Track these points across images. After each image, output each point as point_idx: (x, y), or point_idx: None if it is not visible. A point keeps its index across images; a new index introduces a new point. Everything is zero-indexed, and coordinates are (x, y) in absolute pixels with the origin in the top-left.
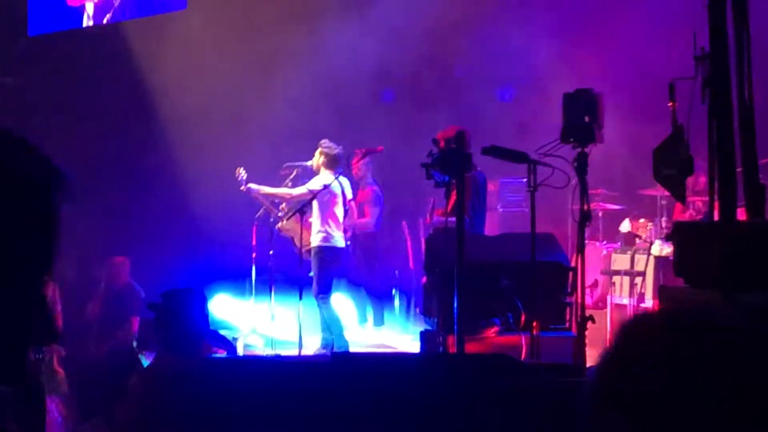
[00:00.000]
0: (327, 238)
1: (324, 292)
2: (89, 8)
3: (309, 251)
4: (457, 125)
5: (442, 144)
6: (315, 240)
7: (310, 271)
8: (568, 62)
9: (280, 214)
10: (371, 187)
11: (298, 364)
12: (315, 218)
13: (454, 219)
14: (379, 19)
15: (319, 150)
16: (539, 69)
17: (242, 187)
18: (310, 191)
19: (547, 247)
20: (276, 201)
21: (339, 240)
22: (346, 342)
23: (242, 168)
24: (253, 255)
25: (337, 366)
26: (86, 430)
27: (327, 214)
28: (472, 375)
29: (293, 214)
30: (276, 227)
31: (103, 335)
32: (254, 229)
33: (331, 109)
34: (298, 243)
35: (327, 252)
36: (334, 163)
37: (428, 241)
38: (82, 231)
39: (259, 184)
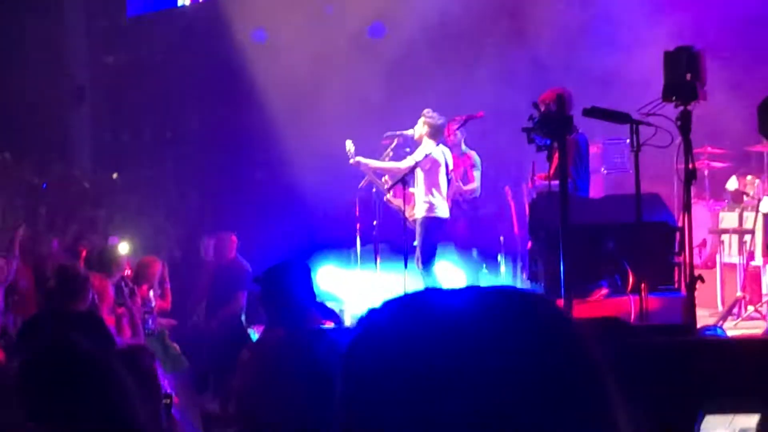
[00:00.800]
0: (431, 208)
1: (428, 262)
2: None
3: (414, 221)
4: (557, 87)
5: (542, 107)
6: (420, 210)
7: (414, 240)
8: (666, 17)
9: (384, 185)
10: (469, 152)
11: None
12: (419, 188)
13: (557, 182)
14: None
15: (423, 120)
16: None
17: (351, 161)
18: (416, 162)
19: (653, 208)
20: (380, 173)
21: (444, 210)
22: None
23: (350, 141)
24: (358, 225)
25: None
26: (198, 403)
27: (431, 184)
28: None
29: (395, 184)
30: (385, 198)
31: (212, 310)
32: (357, 199)
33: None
34: (404, 214)
35: (432, 222)
36: (437, 133)
37: (532, 205)
38: (188, 209)
39: (360, 153)
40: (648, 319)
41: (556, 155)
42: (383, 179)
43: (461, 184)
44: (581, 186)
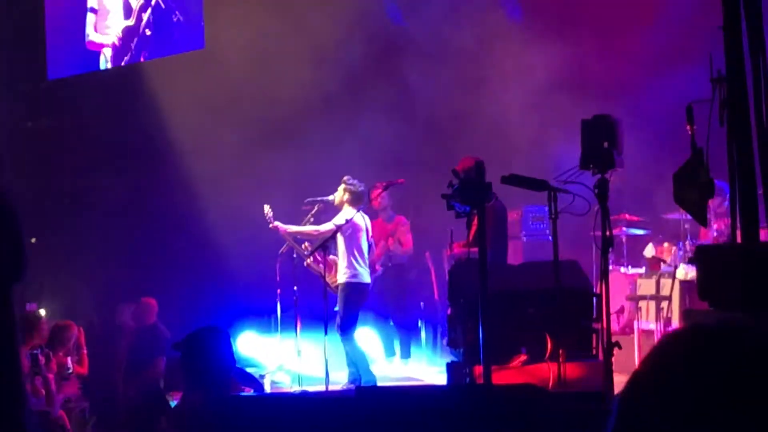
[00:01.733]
0: (354, 274)
1: (348, 328)
2: (107, 52)
3: (336, 286)
4: (473, 156)
5: (461, 174)
6: (342, 276)
7: (335, 306)
8: (584, 80)
9: (304, 251)
10: (399, 216)
11: (324, 400)
12: (341, 254)
13: (475, 250)
14: None
15: (343, 187)
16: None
17: (270, 225)
18: (337, 226)
19: (571, 274)
20: (300, 238)
21: (365, 275)
22: (374, 376)
23: (268, 206)
24: (278, 291)
25: (363, 400)
26: None
27: (353, 250)
28: (500, 406)
29: (315, 249)
30: (305, 264)
31: (130, 376)
32: (278, 265)
33: (354, 142)
34: (325, 279)
35: (354, 288)
36: (358, 200)
37: (451, 272)
38: (107, 274)
39: (279, 219)
40: (566, 385)
41: (475, 222)
42: (303, 245)
43: (399, 245)
44: (499, 252)
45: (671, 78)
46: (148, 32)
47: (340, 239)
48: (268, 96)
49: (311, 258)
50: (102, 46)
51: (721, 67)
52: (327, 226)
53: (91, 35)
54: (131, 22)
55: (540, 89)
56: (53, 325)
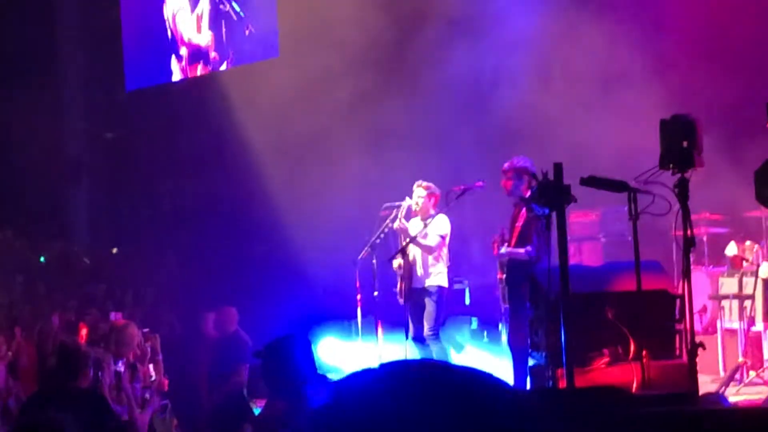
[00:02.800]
0: (442, 277)
1: (437, 329)
2: (181, 63)
3: (416, 290)
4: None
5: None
6: (434, 279)
7: (417, 310)
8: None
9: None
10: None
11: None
12: (431, 257)
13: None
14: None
15: (425, 192)
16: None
17: (397, 224)
18: (442, 237)
19: (653, 275)
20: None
21: (446, 278)
22: None
23: (408, 200)
24: (358, 297)
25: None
26: None
27: (443, 253)
28: (584, 410)
29: (397, 253)
30: (394, 267)
31: (213, 385)
32: (357, 270)
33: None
34: (405, 282)
35: (442, 290)
36: (440, 202)
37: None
38: (188, 283)
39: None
40: (650, 387)
41: (519, 222)
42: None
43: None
44: (543, 256)
45: (751, 75)
46: (214, 44)
47: (434, 236)
48: (340, 100)
49: (399, 259)
50: (179, 59)
51: None
52: (435, 239)
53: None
54: (205, 37)
55: (614, 86)
56: (110, 326)
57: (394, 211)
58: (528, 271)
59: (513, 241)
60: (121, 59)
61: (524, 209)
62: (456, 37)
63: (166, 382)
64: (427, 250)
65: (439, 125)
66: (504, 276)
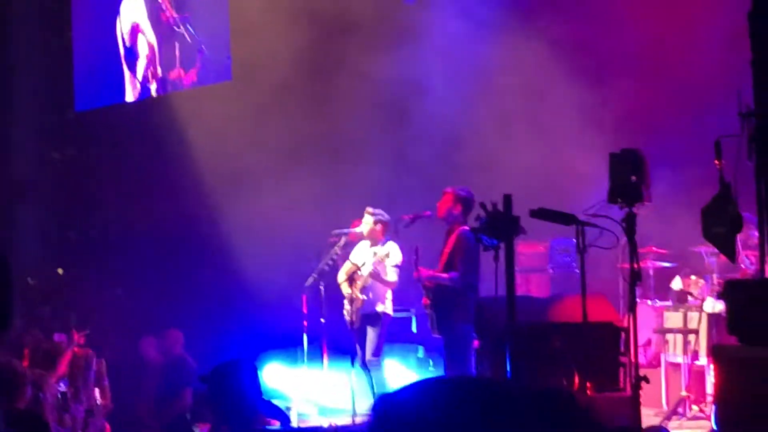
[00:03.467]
0: (389, 304)
1: (379, 355)
2: (134, 83)
3: (364, 315)
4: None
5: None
6: (380, 306)
7: (360, 337)
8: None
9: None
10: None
11: None
12: (380, 285)
13: (446, 275)
14: None
15: (373, 219)
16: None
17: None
18: (397, 267)
19: (598, 308)
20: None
21: (391, 306)
22: None
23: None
24: (305, 323)
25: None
26: None
27: (392, 281)
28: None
29: (345, 280)
30: (348, 291)
31: (157, 408)
32: (304, 297)
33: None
34: (353, 308)
35: (389, 318)
36: (388, 229)
37: (478, 305)
38: (133, 306)
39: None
40: None
41: (447, 248)
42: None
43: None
44: (471, 281)
45: (700, 113)
46: (166, 67)
47: (394, 271)
48: (293, 123)
49: (357, 285)
50: (132, 79)
51: (749, 102)
52: (395, 273)
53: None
54: (154, 58)
55: (568, 124)
56: (71, 355)
57: (342, 238)
58: (454, 298)
59: (440, 267)
60: (71, 79)
61: (453, 236)
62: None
63: (112, 406)
64: (389, 285)
65: (400, 140)
66: (430, 302)
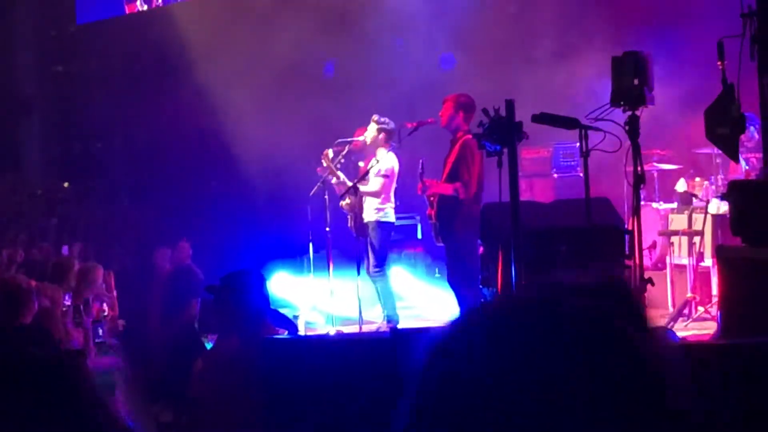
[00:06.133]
0: (388, 213)
1: (384, 265)
2: None
3: (366, 225)
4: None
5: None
6: (375, 215)
7: (364, 247)
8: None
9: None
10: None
11: (359, 342)
12: (373, 194)
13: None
14: None
15: (376, 127)
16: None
17: (328, 174)
18: (386, 176)
19: (602, 211)
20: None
21: (393, 215)
22: (398, 315)
23: (330, 150)
24: (310, 233)
25: (399, 342)
26: (152, 412)
27: (389, 190)
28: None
29: (346, 192)
30: (341, 204)
31: (165, 319)
32: (309, 206)
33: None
34: (355, 219)
35: (386, 226)
36: (391, 138)
37: (483, 211)
38: (140, 218)
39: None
40: None
41: (451, 157)
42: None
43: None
44: (476, 190)
45: (702, 13)
46: None
47: (377, 180)
48: (294, 37)
49: (347, 198)
50: None
51: (751, 2)
52: (378, 182)
53: None
54: None
55: (570, 22)
56: (79, 269)
57: (346, 147)
58: (457, 208)
59: (443, 177)
60: None
61: (457, 145)
62: None
63: (122, 322)
64: (372, 195)
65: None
66: (434, 212)
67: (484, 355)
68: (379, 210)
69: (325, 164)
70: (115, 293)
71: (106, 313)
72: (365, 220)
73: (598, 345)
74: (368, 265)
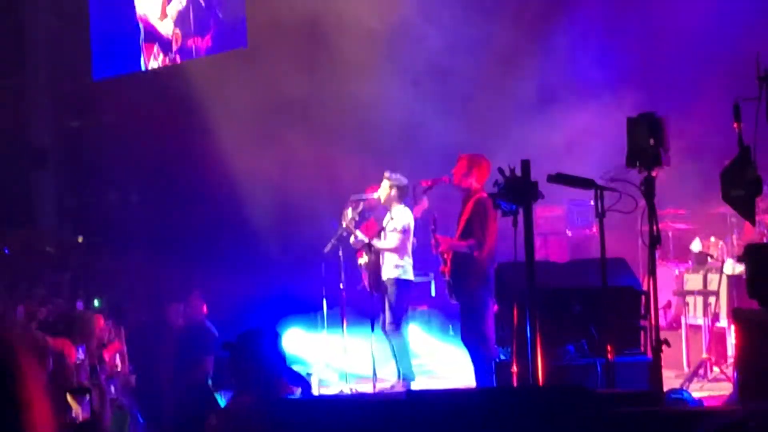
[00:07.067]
0: (407, 270)
1: (399, 323)
2: (150, 52)
3: (383, 282)
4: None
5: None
6: (394, 272)
7: (381, 303)
8: (630, 82)
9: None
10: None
11: (375, 403)
12: (391, 250)
13: (463, 243)
14: None
15: (389, 183)
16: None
17: (350, 233)
18: (402, 231)
19: (618, 272)
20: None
21: (411, 272)
22: (414, 373)
23: (350, 209)
24: (324, 289)
25: (415, 404)
26: None
27: (405, 246)
28: (550, 408)
29: (363, 248)
30: (359, 263)
31: (177, 375)
32: (323, 263)
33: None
34: (372, 277)
35: (405, 284)
36: (404, 195)
37: (498, 270)
38: (154, 273)
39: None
40: (614, 383)
41: (464, 216)
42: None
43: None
44: (490, 248)
45: (719, 75)
46: (182, 33)
47: (393, 235)
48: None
49: (365, 256)
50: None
51: None
52: (395, 237)
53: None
54: (169, 25)
55: (587, 87)
56: (77, 317)
57: (360, 203)
58: (472, 265)
59: (457, 235)
60: (89, 47)
61: (470, 203)
62: None
63: (134, 377)
64: (390, 251)
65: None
66: (448, 269)
67: None
68: (398, 266)
69: (344, 224)
70: (125, 348)
71: (118, 369)
72: (384, 277)
73: None
74: (384, 321)
